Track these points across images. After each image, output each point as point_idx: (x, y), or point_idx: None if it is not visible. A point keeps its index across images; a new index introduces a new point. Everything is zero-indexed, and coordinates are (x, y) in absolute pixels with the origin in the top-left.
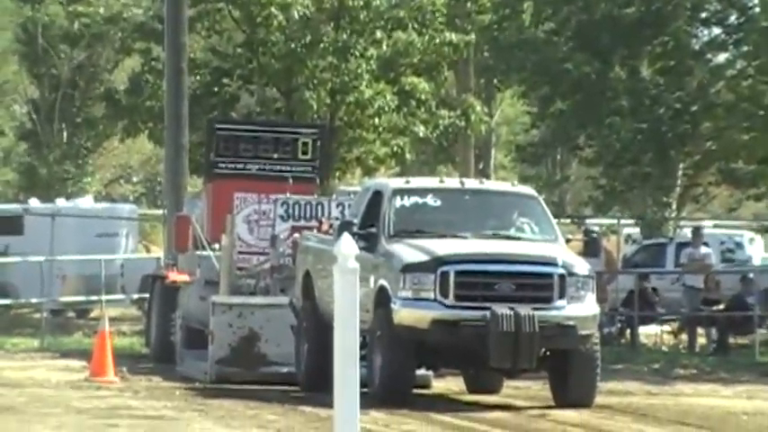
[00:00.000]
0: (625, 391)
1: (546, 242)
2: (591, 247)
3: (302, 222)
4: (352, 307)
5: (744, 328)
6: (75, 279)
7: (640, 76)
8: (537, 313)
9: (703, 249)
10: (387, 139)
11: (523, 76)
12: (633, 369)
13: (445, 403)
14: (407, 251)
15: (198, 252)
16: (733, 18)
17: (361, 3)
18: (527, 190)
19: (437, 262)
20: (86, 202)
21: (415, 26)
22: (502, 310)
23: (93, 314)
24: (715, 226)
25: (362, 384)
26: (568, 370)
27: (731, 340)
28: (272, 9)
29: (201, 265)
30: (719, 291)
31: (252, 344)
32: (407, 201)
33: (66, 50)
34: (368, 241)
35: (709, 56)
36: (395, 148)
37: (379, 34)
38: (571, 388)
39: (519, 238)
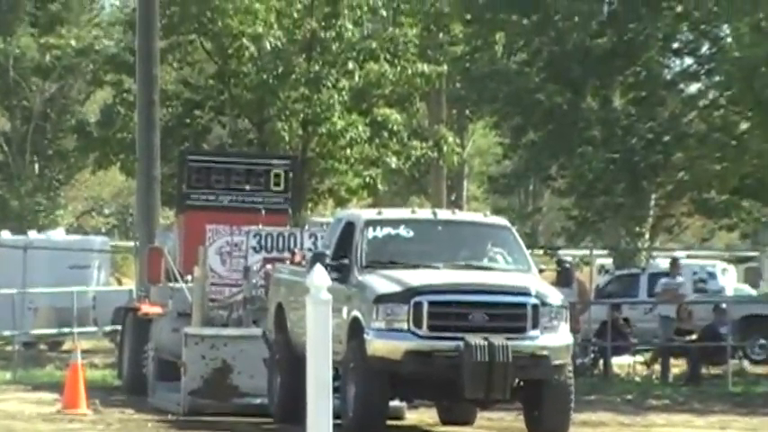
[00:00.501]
0: (598, 422)
1: (519, 272)
2: (563, 277)
3: (275, 254)
4: (325, 338)
5: (716, 359)
6: (47, 311)
7: (612, 107)
8: (510, 343)
9: (678, 279)
10: (359, 171)
11: (496, 107)
12: (606, 400)
13: None
14: (380, 282)
15: (170, 284)
16: (705, 48)
17: (333, 34)
18: (499, 220)
19: (410, 292)
20: (58, 235)
21: (387, 57)
22: (475, 340)
23: (65, 347)
24: (688, 256)
25: (336, 416)
26: (542, 400)
27: (704, 371)
28: (244, 40)
29: (174, 297)
30: (692, 321)
31: (225, 375)
32: (380, 232)
33: (37, 83)
34: (340, 272)
35: (681, 86)
36: (367, 179)
37: (351, 65)
38: (545, 419)
39: (492, 269)
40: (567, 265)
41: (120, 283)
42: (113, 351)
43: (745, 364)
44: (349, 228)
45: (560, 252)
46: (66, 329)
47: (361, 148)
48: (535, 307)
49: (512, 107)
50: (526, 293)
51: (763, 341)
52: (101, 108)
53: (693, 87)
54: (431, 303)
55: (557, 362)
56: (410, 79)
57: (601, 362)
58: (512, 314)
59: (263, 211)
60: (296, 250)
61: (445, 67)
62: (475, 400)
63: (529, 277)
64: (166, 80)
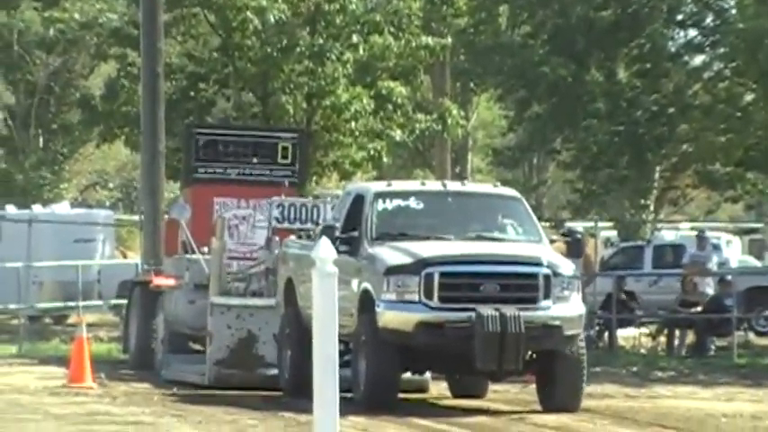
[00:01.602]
0: (603, 394)
1: (530, 243)
2: (574, 248)
3: (297, 225)
4: (331, 311)
5: (722, 330)
6: (52, 285)
7: (617, 79)
8: (522, 314)
9: (706, 252)
10: (363, 143)
11: (500, 80)
12: (611, 372)
13: (428, 408)
14: (391, 254)
15: (187, 256)
16: (709, 20)
17: (337, 7)
18: (510, 191)
19: (421, 264)
20: (63, 208)
21: (392, 30)
22: (487, 311)
23: (70, 320)
24: (692, 228)
25: (347, 389)
26: (555, 372)
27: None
28: (248, 14)
29: (190, 269)
30: (698, 293)
31: (250, 345)
32: (389, 204)
33: (41, 56)
34: (350, 245)
35: (685, 58)
36: (371, 152)
37: (355, 38)
38: (558, 391)
39: (503, 240)
40: (579, 236)
41: (124, 256)
42: (118, 325)
43: (751, 335)
44: (358, 200)
45: (565, 225)
46: (71, 303)
47: (366, 121)
48: (547, 277)
49: (516, 80)
50: (538, 264)
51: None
52: (105, 82)
53: (698, 59)
54: (442, 274)
55: (569, 332)
56: (414, 52)
57: (606, 334)
58: (523, 284)
59: (287, 183)
60: (320, 221)
61: (449, 39)
62: (487, 372)
63: (540, 248)
64: (170, 53)
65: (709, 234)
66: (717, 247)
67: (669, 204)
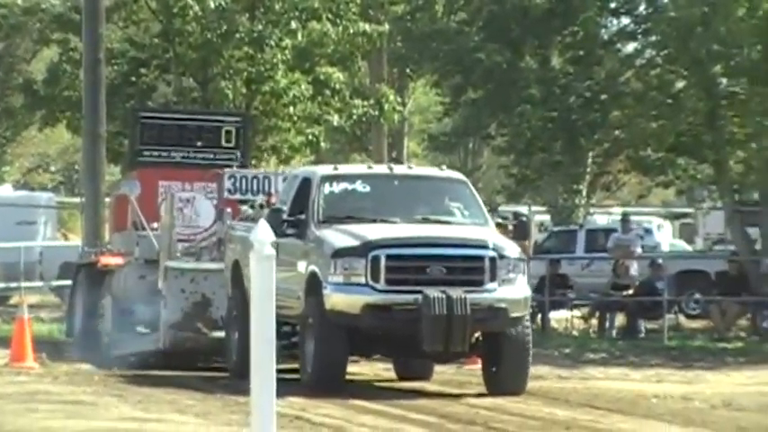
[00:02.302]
0: (537, 375)
1: (476, 226)
2: (520, 231)
3: (249, 196)
4: (269, 293)
5: (653, 313)
6: None
7: (550, 66)
8: (469, 296)
9: (630, 235)
10: (302, 128)
11: (436, 66)
12: (544, 353)
13: (372, 390)
14: (338, 236)
15: (136, 232)
16: (642, 8)
17: None
18: (456, 175)
19: (368, 246)
20: (5, 191)
21: (330, 17)
22: (434, 293)
23: (12, 301)
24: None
25: (293, 371)
26: (501, 354)
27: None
28: (188, 0)
29: (140, 244)
30: (629, 276)
31: (204, 309)
32: (336, 187)
33: None
34: (297, 228)
35: (618, 46)
36: (310, 137)
37: (293, 25)
38: (504, 373)
39: (449, 222)
40: (524, 218)
41: (66, 238)
42: (60, 305)
43: (681, 318)
44: (305, 184)
45: (500, 209)
46: (12, 284)
47: (304, 106)
48: (493, 260)
49: (452, 66)
50: (484, 246)
51: (698, 296)
52: (47, 66)
53: (630, 47)
54: (388, 257)
55: (515, 314)
56: (352, 39)
57: (539, 316)
58: (469, 267)
59: (235, 167)
60: (272, 192)
61: (386, 26)
62: (434, 354)
63: (486, 230)
64: (112, 39)
65: (641, 218)
66: (648, 232)
67: (602, 189)
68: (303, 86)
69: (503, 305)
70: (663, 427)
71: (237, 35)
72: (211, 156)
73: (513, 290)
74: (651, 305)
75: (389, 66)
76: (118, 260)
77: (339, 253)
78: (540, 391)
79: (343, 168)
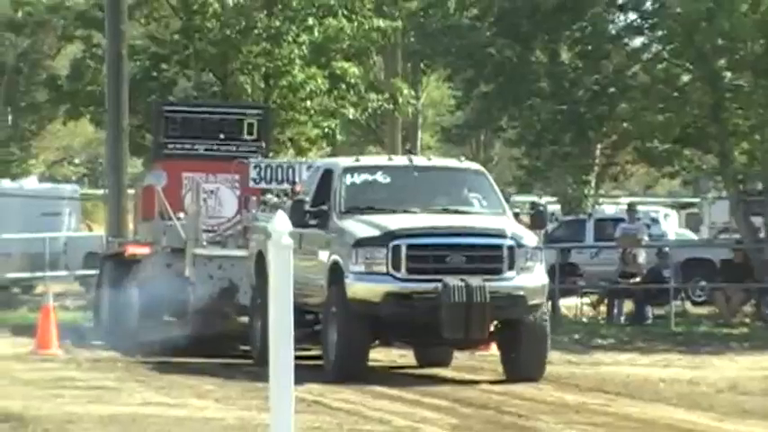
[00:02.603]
0: (547, 361)
1: (494, 215)
2: (538, 220)
3: (274, 185)
4: (287, 282)
5: (660, 300)
6: (21, 256)
7: (560, 60)
8: (488, 284)
9: (636, 224)
10: (318, 121)
11: (448, 61)
12: (554, 339)
13: (393, 377)
14: (359, 227)
15: (163, 221)
16: (648, 4)
17: None
18: (474, 165)
19: (389, 236)
20: (31, 183)
21: (345, 13)
22: (454, 281)
23: (37, 290)
24: (631, 204)
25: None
26: (519, 341)
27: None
28: None
29: (167, 234)
30: (636, 264)
31: (231, 295)
32: (357, 178)
33: (10, 38)
34: (320, 218)
35: (625, 40)
36: (326, 130)
37: (310, 21)
38: (522, 361)
39: (468, 212)
40: (541, 208)
41: (90, 229)
42: (84, 294)
43: (687, 305)
44: (327, 175)
45: (511, 200)
46: (38, 273)
47: (321, 99)
48: (511, 248)
49: (464, 61)
50: (502, 235)
51: (703, 283)
52: (71, 62)
53: (637, 41)
54: (409, 246)
55: (533, 301)
56: (367, 34)
57: (549, 303)
58: (488, 256)
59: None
60: (297, 181)
61: (400, 22)
62: (453, 341)
63: (504, 220)
64: (134, 35)
65: (648, 208)
66: (655, 221)
67: (610, 180)
68: (320, 81)
69: (521, 293)
70: (670, 411)
71: (255, 31)
72: (233, 148)
73: (531, 278)
74: (658, 292)
75: (403, 60)
76: (144, 250)
77: (361, 243)
78: (550, 375)
79: (364, 160)
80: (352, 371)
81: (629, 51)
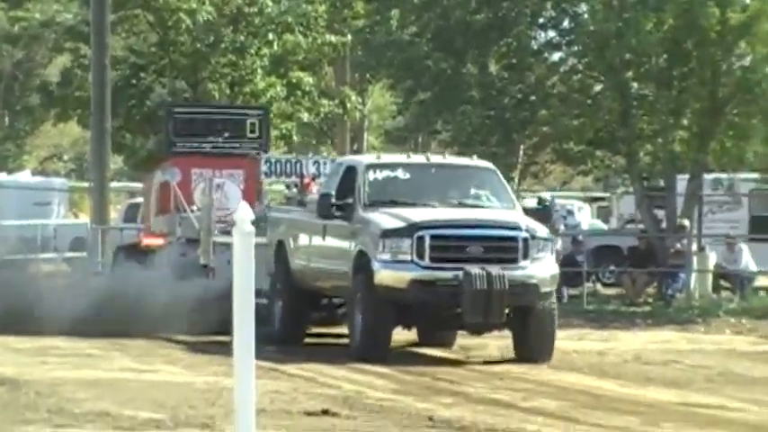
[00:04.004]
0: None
1: (506, 209)
2: (543, 214)
3: (283, 177)
4: (249, 266)
5: (574, 282)
6: (16, 240)
7: (488, 72)
8: (506, 273)
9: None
10: (277, 124)
11: (391, 72)
12: None
13: (407, 357)
14: (385, 218)
15: (178, 214)
16: (565, 23)
17: (256, 10)
18: (485, 164)
19: (413, 227)
20: (25, 176)
21: (301, 29)
22: (475, 269)
23: (30, 270)
24: (551, 197)
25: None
26: (530, 326)
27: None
28: (181, 14)
29: (182, 225)
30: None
31: None
32: (380, 174)
33: (7, 49)
34: (344, 211)
35: (545, 54)
36: (284, 131)
37: (271, 36)
38: (533, 343)
39: (482, 206)
40: (547, 203)
41: (76, 217)
42: (71, 274)
43: (598, 286)
44: (350, 171)
45: None
46: (31, 255)
47: (279, 105)
48: (525, 240)
49: (404, 72)
50: (518, 228)
51: (612, 267)
52: (61, 71)
53: (556, 56)
54: (432, 237)
55: (544, 289)
56: (320, 48)
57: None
58: (505, 246)
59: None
60: (305, 174)
61: (349, 37)
62: (473, 325)
63: (516, 213)
64: (116, 47)
65: (564, 201)
66: (570, 213)
67: (531, 177)
68: (278, 88)
69: (534, 281)
70: (582, 378)
71: (223, 45)
72: (237, 145)
73: (542, 267)
74: (573, 275)
75: (351, 71)
76: (159, 241)
77: (387, 233)
78: (480, 349)
79: (385, 158)
80: (376, 352)
81: (549, 64)
